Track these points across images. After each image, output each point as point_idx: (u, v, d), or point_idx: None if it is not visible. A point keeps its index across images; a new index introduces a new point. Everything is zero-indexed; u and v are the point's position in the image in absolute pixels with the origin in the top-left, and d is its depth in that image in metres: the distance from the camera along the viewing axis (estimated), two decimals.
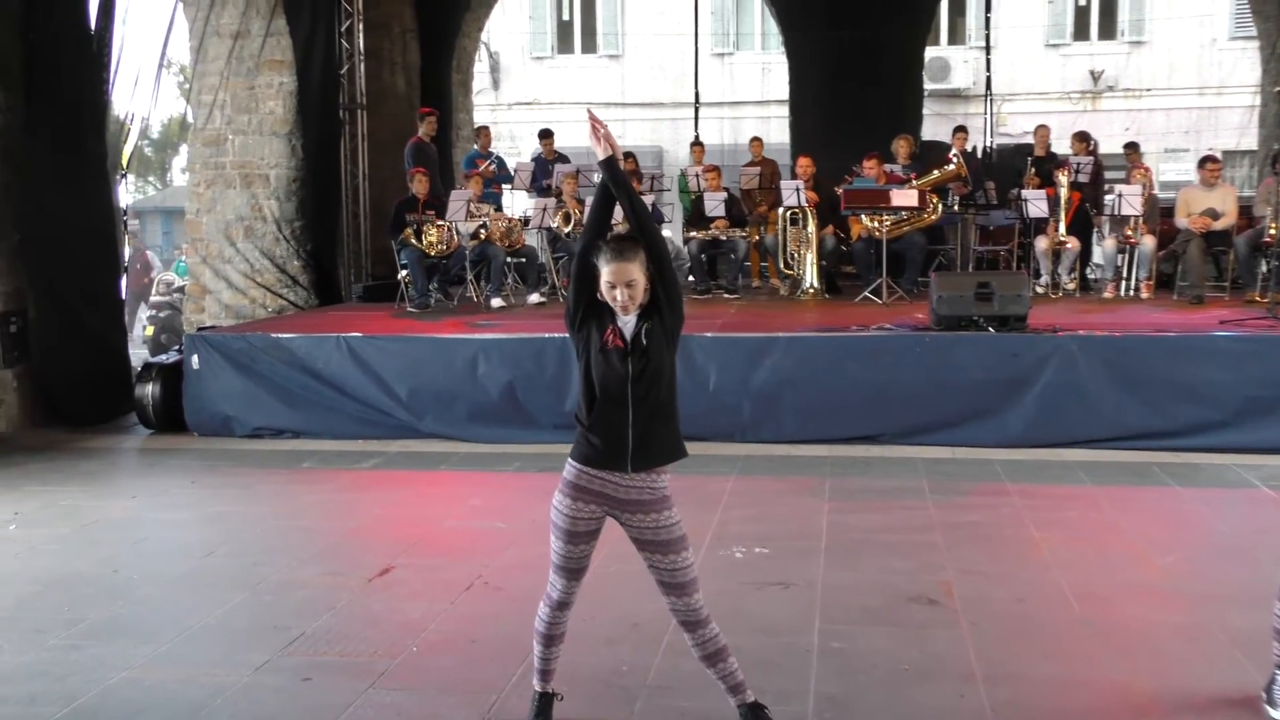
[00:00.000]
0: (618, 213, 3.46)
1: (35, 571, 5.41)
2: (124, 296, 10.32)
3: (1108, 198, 10.91)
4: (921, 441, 7.70)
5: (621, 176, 3.40)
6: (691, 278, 11.69)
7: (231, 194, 11.66)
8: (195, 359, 8.60)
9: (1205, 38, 21.76)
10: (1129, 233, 10.49)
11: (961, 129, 12.16)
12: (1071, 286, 10.89)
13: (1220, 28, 21.75)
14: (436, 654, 4.34)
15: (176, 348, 10.00)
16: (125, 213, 10.84)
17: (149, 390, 8.77)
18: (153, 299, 16.94)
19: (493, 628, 4.56)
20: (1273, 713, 3.63)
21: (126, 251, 10.92)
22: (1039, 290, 10.54)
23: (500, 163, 12.62)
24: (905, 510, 6.21)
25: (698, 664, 3.47)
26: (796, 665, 4.12)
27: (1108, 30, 22.43)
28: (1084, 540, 5.66)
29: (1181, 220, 10.39)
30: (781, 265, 11.29)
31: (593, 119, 3.43)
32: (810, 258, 10.84)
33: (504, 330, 8.64)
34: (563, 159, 12.60)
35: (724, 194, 11.65)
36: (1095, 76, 22.27)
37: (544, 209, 10.98)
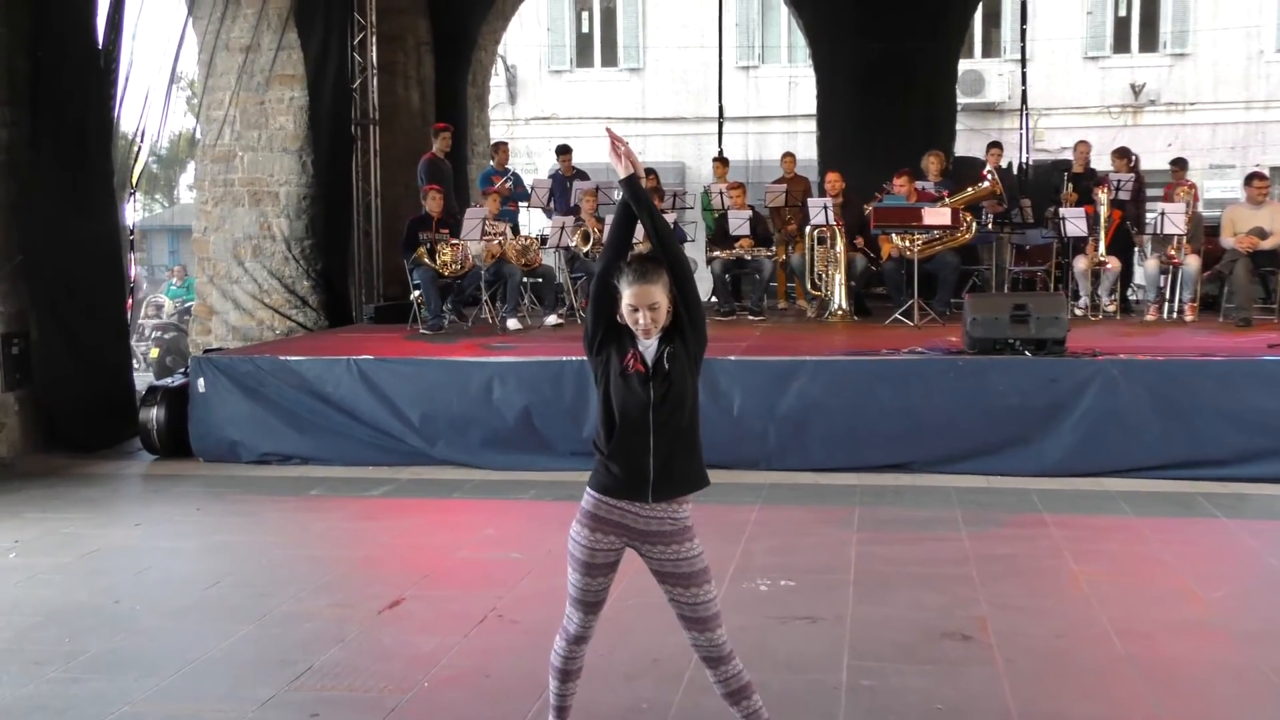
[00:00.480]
0: (639, 232, 3.48)
1: (35, 601, 5.44)
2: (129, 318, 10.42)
3: (1150, 216, 10.88)
4: (955, 470, 7.66)
5: (643, 194, 3.41)
6: (715, 299, 11.71)
7: (240, 212, 11.77)
8: (201, 382, 8.65)
9: (1252, 49, 21.70)
10: (1172, 252, 10.45)
11: (996, 145, 12.16)
12: (1112, 309, 10.84)
13: (1268, 39, 21.68)
14: (449, 689, 4.33)
15: (182, 370, 10.07)
16: (132, 231, 10.94)
17: (153, 414, 8.82)
18: (139, 322, 16.99)
19: (507, 662, 4.55)
20: None
21: (133, 271, 11.01)
22: (1078, 312, 10.52)
23: (517, 180, 12.70)
24: (938, 542, 6.18)
25: (720, 702, 3.45)
26: (824, 704, 4.10)
27: (1149, 42, 22.40)
28: (1126, 574, 5.61)
29: (1227, 239, 10.34)
30: (809, 286, 11.29)
31: (613, 135, 3.45)
32: (839, 278, 10.84)
33: (520, 353, 8.66)
34: (582, 176, 12.66)
35: (749, 212, 11.67)
36: (1136, 90, 22.23)
37: (562, 227, 11.03)
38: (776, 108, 22.43)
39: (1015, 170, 14.32)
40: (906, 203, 10.71)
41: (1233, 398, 7.46)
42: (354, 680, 4.42)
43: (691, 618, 3.36)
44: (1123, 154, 11.80)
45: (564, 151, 12.88)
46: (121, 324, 10.01)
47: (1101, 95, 22.31)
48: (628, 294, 3.27)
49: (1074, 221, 10.62)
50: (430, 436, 8.32)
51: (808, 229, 10.99)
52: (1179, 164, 11.72)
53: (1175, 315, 10.48)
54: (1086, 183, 11.36)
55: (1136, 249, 11.47)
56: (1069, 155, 12.43)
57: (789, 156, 12.83)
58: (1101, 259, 10.70)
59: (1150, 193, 12.32)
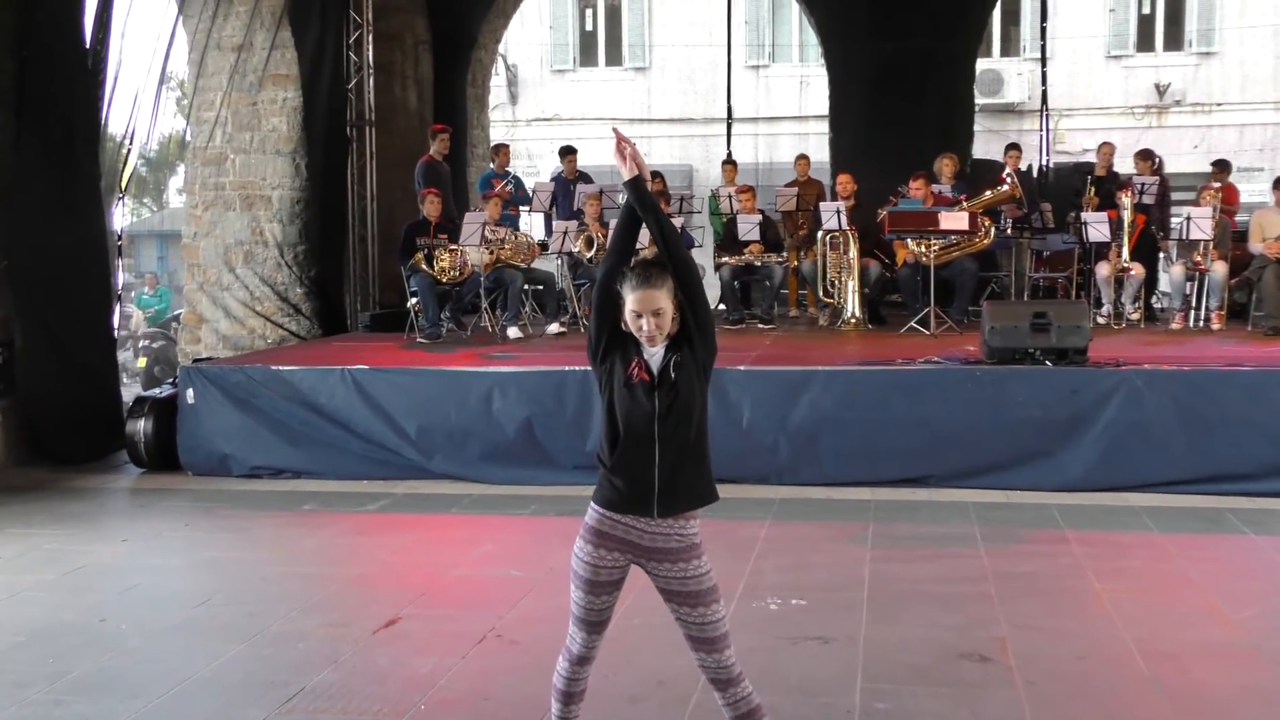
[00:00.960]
0: (644, 237, 3.48)
1: (17, 621, 5.44)
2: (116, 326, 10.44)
3: (1175, 220, 10.88)
4: (973, 484, 7.65)
5: (648, 198, 3.42)
6: (723, 306, 11.72)
7: (231, 216, 11.79)
8: (190, 393, 8.67)
9: None
10: (1198, 258, 10.44)
11: (1015, 147, 12.18)
12: (1136, 317, 10.85)
13: None
14: (446, 712, 4.33)
15: (170, 381, 10.09)
16: (120, 237, 10.98)
17: (141, 426, 8.83)
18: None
19: (507, 685, 4.55)
20: None
21: (121, 278, 11.04)
22: (1100, 321, 10.51)
23: (518, 183, 12.72)
24: (955, 559, 6.17)
25: None
26: None
27: (1174, 40, 22.42)
28: (1151, 593, 5.61)
29: (1256, 245, 10.33)
30: (821, 293, 11.30)
31: (618, 136, 3.46)
32: (852, 285, 10.85)
33: (521, 363, 8.67)
34: (585, 179, 12.68)
35: (759, 216, 11.69)
36: (1161, 90, 22.24)
37: (565, 232, 11.04)
38: (787, 108, 22.48)
39: (1035, 173, 14.33)
40: (923, 207, 10.73)
41: (1262, 409, 7.45)
42: (348, 703, 4.41)
43: (699, 638, 3.35)
44: (1146, 156, 11.82)
45: (568, 153, 12.88)
46: (108, 333, 10.03)
47: (1125, 95, 22.33)
48: (631, 299, 3.28)
49: (1096, 226, 10.63)
50: (427, 449, 8.32)
51: (820, 234, 10.99)
52: (1220, 166, 11.71)
53: (1202, 324, 10.48)
54: (1109, 186, 11.37)
55: (1161, 255, 11.47)
56: (1091, 158, 12.47)
57: (803, 159, 12.85)
58: (1125, 265, 10.70)
59: (1175, 196, 12.32)
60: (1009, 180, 11.25)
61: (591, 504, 3.40)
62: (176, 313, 16.14)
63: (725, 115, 17.77)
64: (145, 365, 16.13)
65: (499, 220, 11.01)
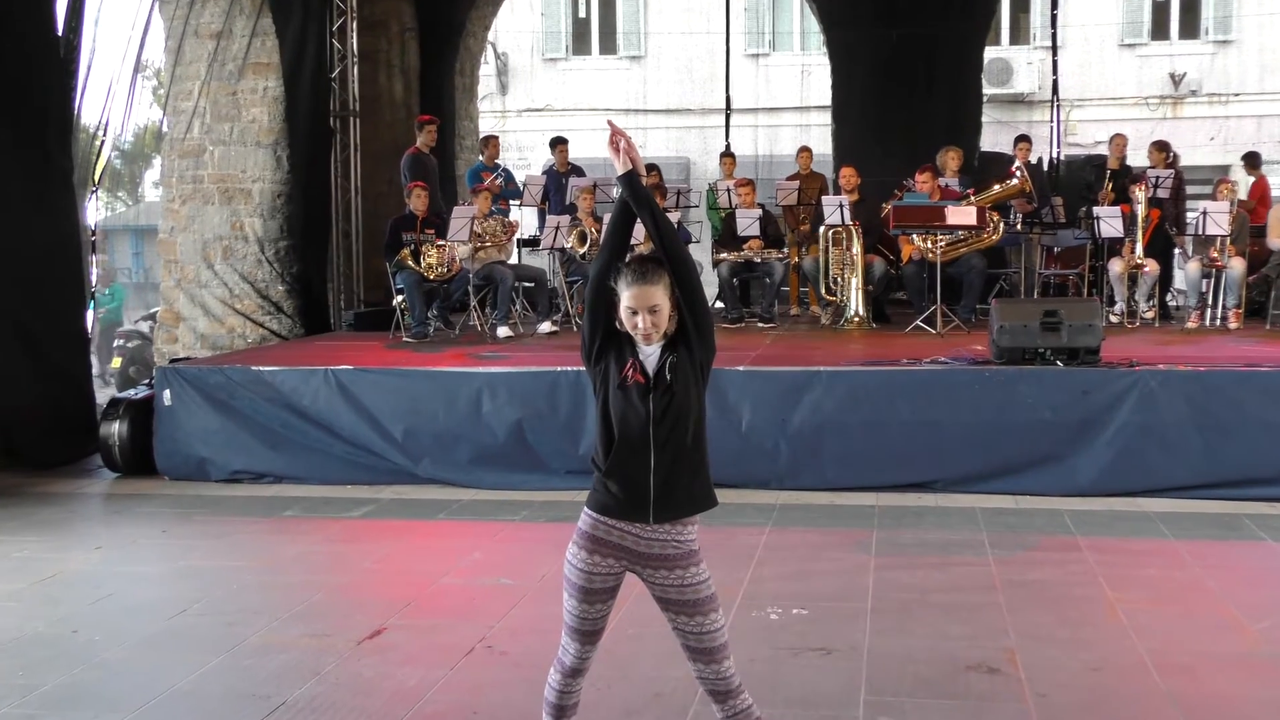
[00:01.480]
0: (639, 232, 3.48)
1: None
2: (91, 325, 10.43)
3: (1190, 215, 10.89)
4: (981, 490, 7.67)
5: (643, 192, 3.42)
6: (721, 304, 11.73)
7: (210, 210, 11.78)
8: (167, 394, 8.67)
9: None
10: (1215, 255, 10.47)
11: (1025, 138, 12.20)
12: (1150, 315, 10.87)
13: None
14: None
15: (146, 382, 10.09)
16: (93, 232, 10.97)
17: (115, 429, 8.82)
18: None
19: (497, 697, 4.55)
20: None
21: (94, 275, 11.03)
22: (1113, 319, 10.54)
23: (508, 176, 12.71)
24: (962, 567, 6.18)
25: None
26: None
27: (1190, 28, 22.45)
28: (1166, 602, 5.61)
29: (1274, 241, 10.36)
30: (823, 291, 11.30)
31: (612, 128, 3.47)
32: (855, 283, 10.86)
33: (512, 363, 8.68)
34: (578, 171, 12.68)
35: (758, 211, 11.70)
36: (1176, 80, 22.28)
37: (557, 227, 11.05)
38: (788, 99, 22.48)
39: (1046, 166, 14.34)
40: (929, 201, 10.73)
41: None
42: (331, 716, 4.42)
43: (697, 648, 3.36)
44: (1161, 148, 11.83)
45: (559, 144, 12.89)
46: (82, 332, 10.03)
47: (1138, 85, 22.35)
48: (626, 296, 3.28)
49: (1109, 221, 10.64)
50: (414, 453, 8.32)
51: (822, 229, 11.00)
52: (1250, 160, 11.73)
53: (1218, 322, 10.50)
54: (1122, 179, 11.40)
55: (1176, 251, 11.49)
56: (1103, 150, 12.50)
57: (805, 151, 12.85)
58: (1139, 262, 10.72)
59: (1191, 190, 12.34)
60: (1018, 174, 11.26)
61: (585, 509, 3.40)
62: (151, 311, 16.12)
63: (724, 106, 17.76)
64: (120, 365, 16.12)
65: (489, 215, 11.01)
